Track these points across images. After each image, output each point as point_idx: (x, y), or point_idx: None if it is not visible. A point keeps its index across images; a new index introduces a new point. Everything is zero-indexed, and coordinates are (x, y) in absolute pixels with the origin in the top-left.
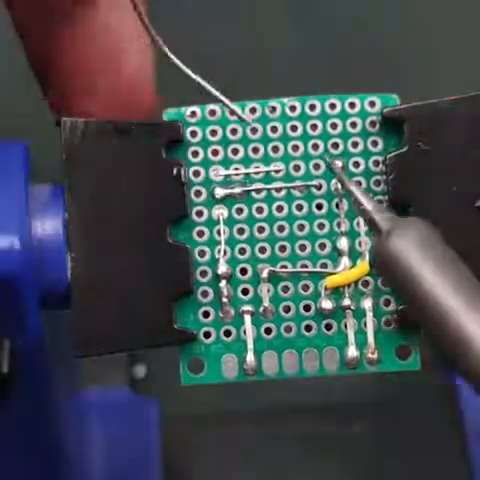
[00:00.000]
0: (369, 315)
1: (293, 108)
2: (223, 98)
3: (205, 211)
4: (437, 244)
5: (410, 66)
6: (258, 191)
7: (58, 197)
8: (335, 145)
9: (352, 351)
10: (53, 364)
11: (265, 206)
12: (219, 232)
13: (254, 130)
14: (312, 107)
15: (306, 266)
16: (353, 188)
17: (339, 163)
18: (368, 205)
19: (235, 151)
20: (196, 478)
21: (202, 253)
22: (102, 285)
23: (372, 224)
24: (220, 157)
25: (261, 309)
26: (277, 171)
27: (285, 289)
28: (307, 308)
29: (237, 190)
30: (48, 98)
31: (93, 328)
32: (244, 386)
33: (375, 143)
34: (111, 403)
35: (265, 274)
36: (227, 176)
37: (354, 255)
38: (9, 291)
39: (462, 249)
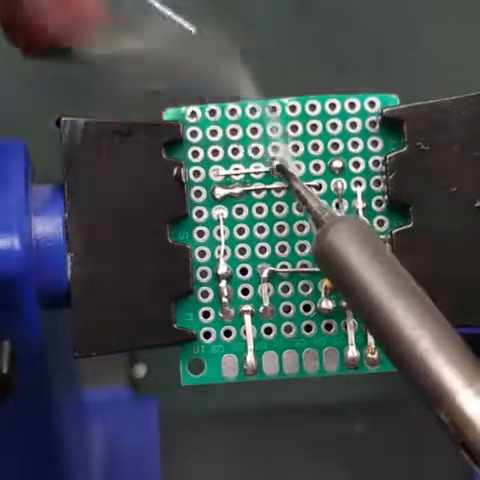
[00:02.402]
0: None
1: (293, 108)
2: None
3: (205, 211)
4: (369, 239)
5: (410, 66)
6: (258, 191)
7: (58, 197)
8: (335, 145)
9: (352, 351)
10: (53, 364)
11: (265, 206)
12: (219, 232)
13: (254, 130)
14: (312, 107)
15: (306, 266)
16: (300, 187)
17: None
18: (312, 203)
19: (235, 151)
20: (196, 478)
21: (202, 253)
22: (102, 285)
23: (314, 221)
24: (220, 157)
25: (261, 309)
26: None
27: (285, 289)
28: (307, 308)
29: (237, 190)
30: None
31: (93, 328)
32: (244, 386)
33: (375, 143)
34: (111, 403)
35: (265, 274)
36: (227, 176)
37: None
38: (9, 291)
39: (462, 249)
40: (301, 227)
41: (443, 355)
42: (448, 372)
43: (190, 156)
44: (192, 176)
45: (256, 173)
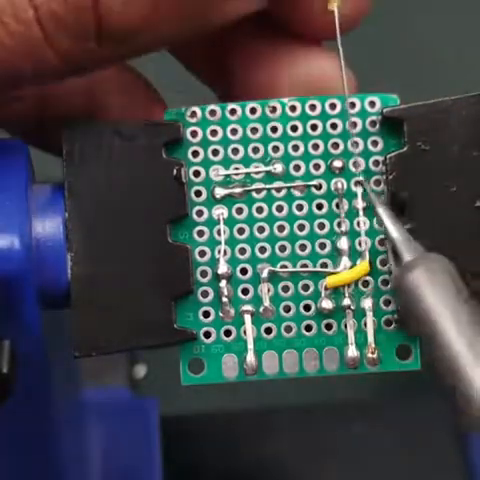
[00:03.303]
0: (369, 315)
1: (293, 108)
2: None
3: (205, 211)
4: (453, 286)
5: (410, 66)
6: (258, 191)
7: (58, 197)
8: (335, 145)
9: (352, 351)
10: (53, 364)
11: (265, 206)
12: (219, 232)
13: (254, 130)
14: (312, 107)
15: (306, 266)
16: (383, 214)
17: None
18: (394, 233)
19: (235, 151)
20: (196, 478)
21: (202, 253)
22: (102, 285)
23: (396, 252)
24: (220, 157)
25: (261, 309)
26: (276, 171)
27: (285, 289)
28: (307, 308)
29: (237, 190)
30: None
31: (93, 328)
32: (244, 386)
33: (375, 143)
34: (111, 403)
35: (265, 274)
36: (227, 176)
37: (354, 255)
38: (9, 291)
39: (462, 248)
40: (301, 227)
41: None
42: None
43: (190, 156)
44: (192, 176)
45: (256, 173)
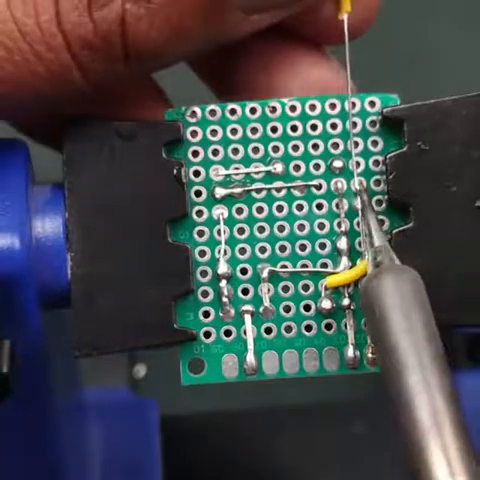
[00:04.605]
0: None
1: (293, 108)
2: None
3: (205, 211)
4: (416, 302)
5: (410, 66)
6: (258, 191)
7: (58, 197)
8: (335, 145)
9: (352, 351)
10: (53, 364)
11: (265, 206)
12: (219, 232)
13: (254, 130)
14: (312, 107)
15: (306, 266)
16: (371, 220)
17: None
18: (377, 240)
19: (235, 151)
20: (196, 478)
21: (202, 253)
22: (102, 285)
23: (372, 259)
24: (220, 157)
25: (261, 309)
26: (276, 171)
27: (285, 289)
28: (307, 308)
29: (237, 190)
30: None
31: (93, 328)
32: (244, 386)
33: (375, 143)
34: (111, 403)
35: (265, 274)
36: (227, 176)
37: (354, 255)
38: (9, 291)
39: (462, 248)
40: (301, 227)
41: (438, 438)
42: (436, 457)
43: (190, 156)
44: (192, 176)
45: (256, 173)
